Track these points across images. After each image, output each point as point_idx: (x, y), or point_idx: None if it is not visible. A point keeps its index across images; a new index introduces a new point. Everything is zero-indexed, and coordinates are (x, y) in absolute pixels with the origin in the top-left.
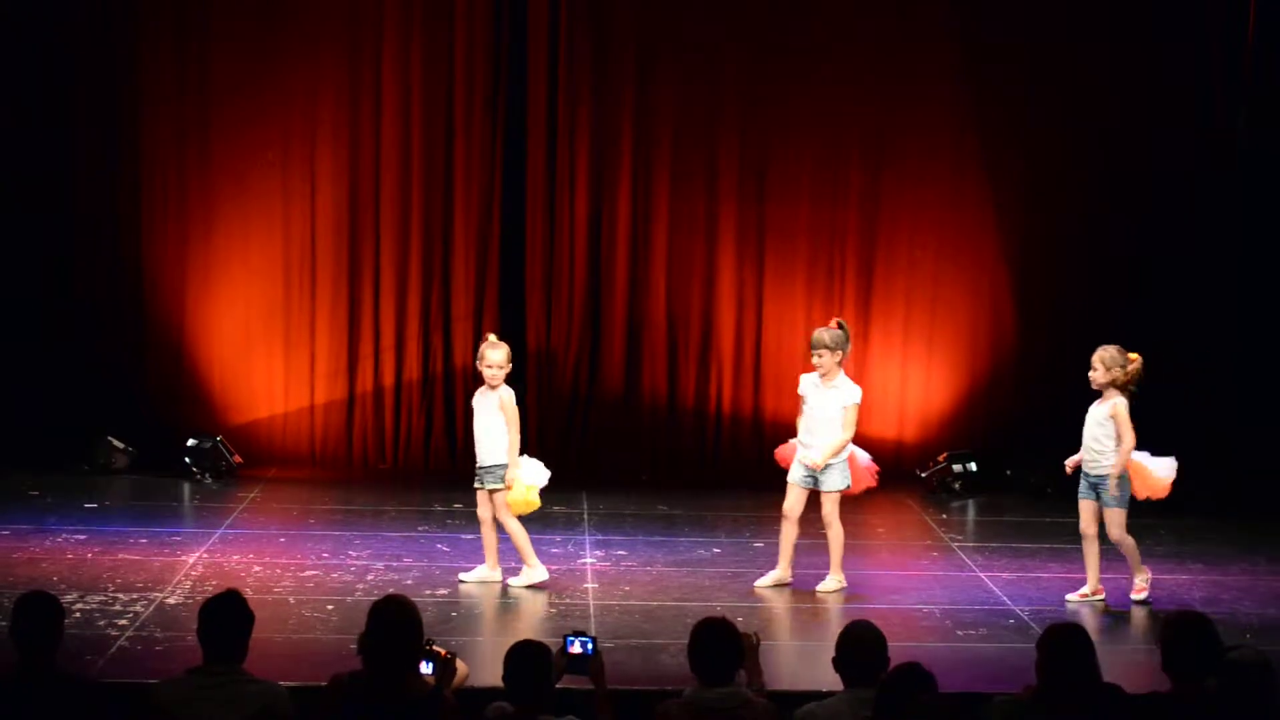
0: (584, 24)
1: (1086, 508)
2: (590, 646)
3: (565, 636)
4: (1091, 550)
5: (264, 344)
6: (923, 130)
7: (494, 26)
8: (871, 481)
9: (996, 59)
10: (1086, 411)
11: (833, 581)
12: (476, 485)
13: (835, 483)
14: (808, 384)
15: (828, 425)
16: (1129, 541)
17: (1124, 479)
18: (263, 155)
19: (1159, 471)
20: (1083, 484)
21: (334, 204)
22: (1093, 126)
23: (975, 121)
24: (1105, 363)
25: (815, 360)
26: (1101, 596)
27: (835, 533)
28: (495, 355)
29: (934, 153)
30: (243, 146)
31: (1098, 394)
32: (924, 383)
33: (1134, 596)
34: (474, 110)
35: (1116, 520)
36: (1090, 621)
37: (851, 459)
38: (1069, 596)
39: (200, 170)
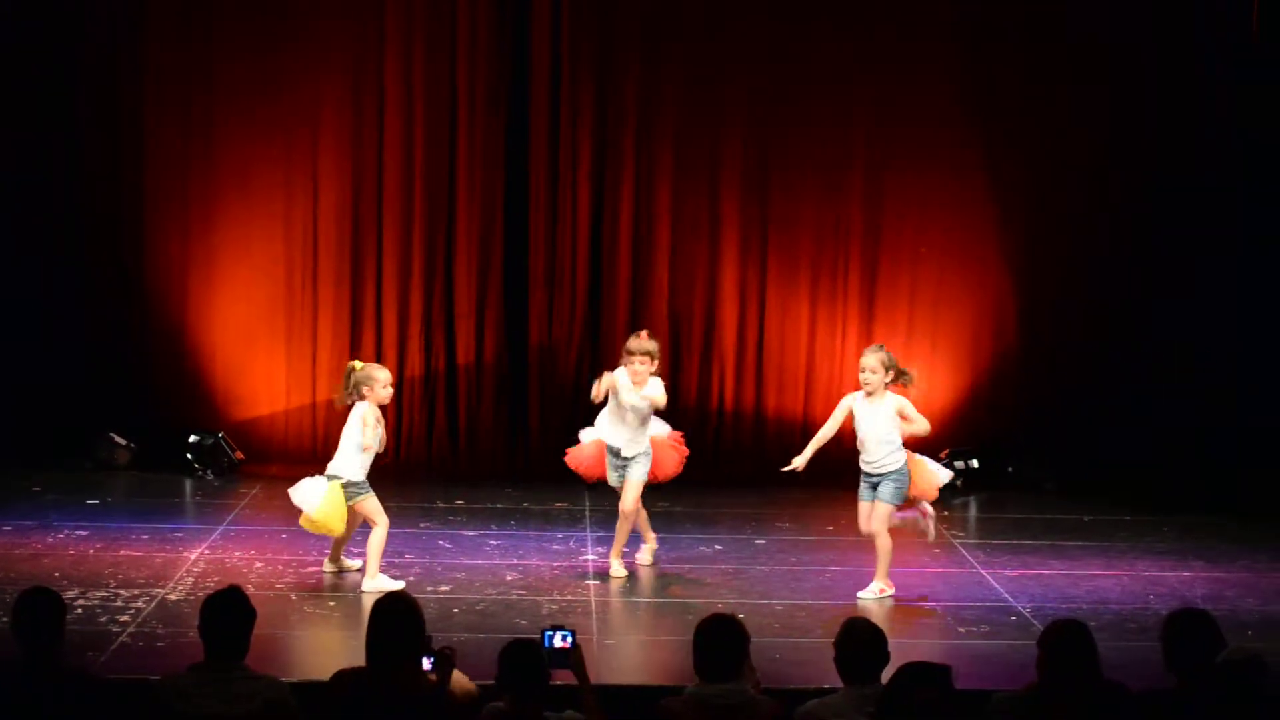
0: (587, 21)
1: (867, 509)
2: (570, 639)
3: (543, 631)
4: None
5: (266, 340)
6: (926, 128)
7: (497, 23)
8: (679, 464)
9: (999, 58)
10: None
11: (619, 568)
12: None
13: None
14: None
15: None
16: (888, 540)
17: (904, 474)
18: (266, 153)
19: (938, 472)
20: (863, 486)
21: (337, 201)
22: (1095, 125)
23: (979, 120)
24: (884, 364)
25: (640, 368)
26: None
27: (627, 525)
28: None
29: (937, 151)
30: (245, 144)
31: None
32: (927, 380)
33: (868, 594)
34: (476, 107)
35: (886, 515)
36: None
37: (655, 447)
38: (861, 595)
39: (203, 167)
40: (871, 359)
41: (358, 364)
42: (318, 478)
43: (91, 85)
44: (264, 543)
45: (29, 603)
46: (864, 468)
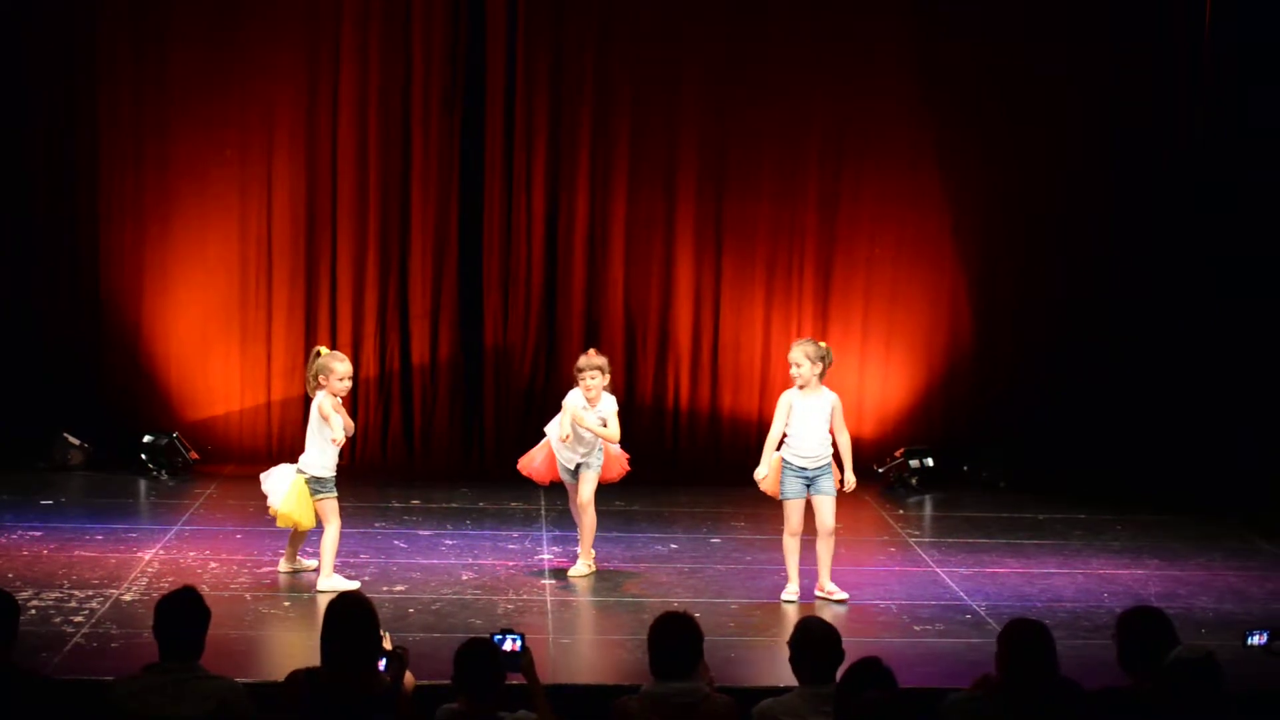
0: (542, 22)
1: (802, 506)
2: (520, 643)
3: (493, 635)
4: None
5: (221, 341)
6: (881, 130)
7: (452, 24)
8: (624, 469)
9: (955, 59)
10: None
11: (583, 565)
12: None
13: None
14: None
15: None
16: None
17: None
18: (220, 153)
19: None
20: (796, 484)
21: (291, 202)
22: (1051, 127)
23: (934, 121)
24: (810, 356)
25: (592, 382)
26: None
27: (590, 517)
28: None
29: (892, 152)
30: (200, 145)
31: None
32: (882, 379)
33: (836, 597)
34: (431, 108)
35: (832, 508)
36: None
37: (605, 450)
38: (785, 597)
39: (158, 169)
40: (795, 352)
41: (323, 349)
42: (288, 467)
43: (46, 86)
44: (219, 543)
45: None
46: (799, 462)
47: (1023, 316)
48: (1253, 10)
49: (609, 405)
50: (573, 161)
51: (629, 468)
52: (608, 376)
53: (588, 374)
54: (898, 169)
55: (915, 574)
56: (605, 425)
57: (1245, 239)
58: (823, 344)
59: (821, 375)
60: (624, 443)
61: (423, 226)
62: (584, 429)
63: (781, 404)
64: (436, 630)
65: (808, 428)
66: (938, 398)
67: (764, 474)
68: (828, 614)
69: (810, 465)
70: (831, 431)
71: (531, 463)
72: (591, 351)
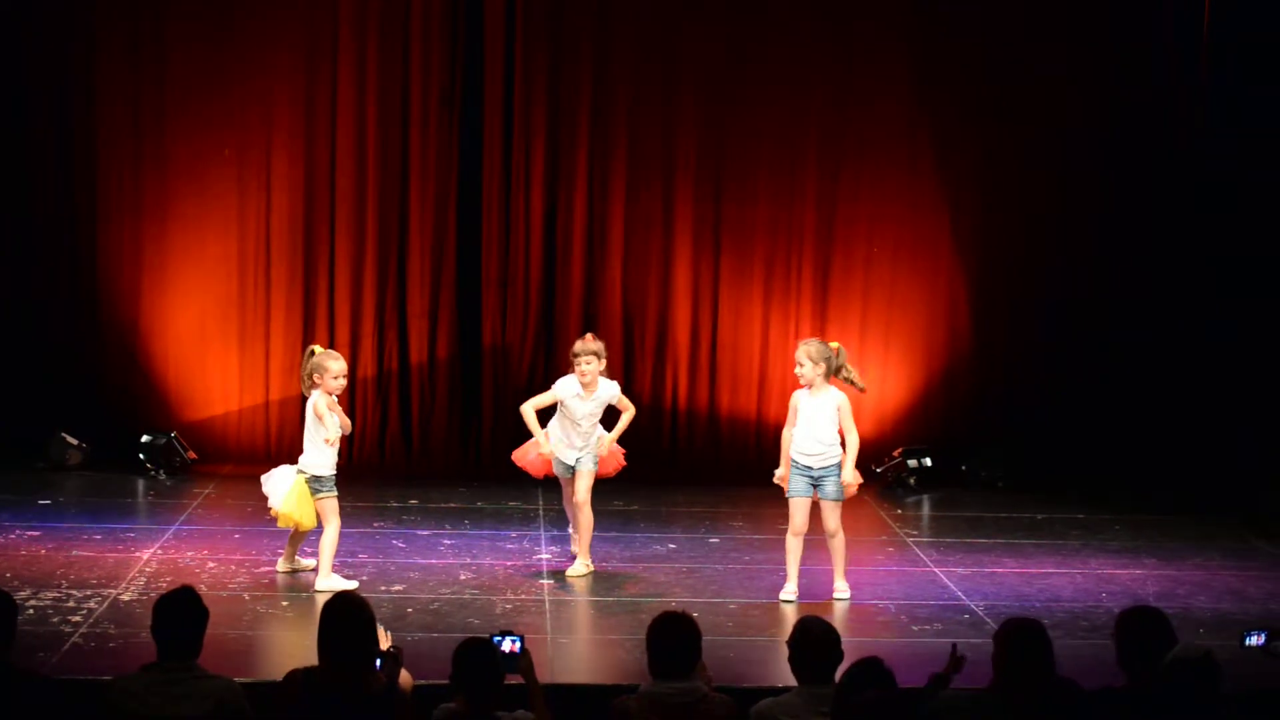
0: (540, 23)
1: (805, 505)
2: (519, 644)
3: (493, 636)
4: (800, 549)
5: (219, 340)
6: (880, 130)
7: (450, 23)
8: (620, 464)
9: (954, 59)
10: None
11: (581, 566)
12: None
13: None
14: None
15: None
16: (843, 536)
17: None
18: (219, 152)
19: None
20: (801, 482)
21: (289, 201)
22: (1050, 126)
23: (932, 121)
24: (812, 357)
25: (587, 367)
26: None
27: (586, 516)
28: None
29: (891, 152)
30: (199, 144)
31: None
32: (880, 379)
33: (838, 595)
34: (430, 108)
35: (838, 513)
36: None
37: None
38: (783, 596)
39: (156, 168)
40: (799, 351)
41: (316, 349)
42: (288, 467)
43: (45, 85)
44: (216, 543)
45: None
46: (804, 462)
47: (1021, 316)
48: (1252, 10)
49: (609, 390)
50: (571, 161)
51: (624, 463)
52: (604, 362)
53: (583, 359)
54: (896, 169)
55: (914, 574)
56: (611, 421)
57: (1245, 239)
58: (832, 344)
59: (828, 375)
60: (623, 440)
61: (421, 226)
62: (577, 412)
63: (791, 404)
64: (435, 630)
65: (811, 427)
66: (936, 397)
67: (782, 472)
68: (826, 614)
69: (815, 465)
70: (841, 431)
71: (526, 455)
72: (589, 336)
